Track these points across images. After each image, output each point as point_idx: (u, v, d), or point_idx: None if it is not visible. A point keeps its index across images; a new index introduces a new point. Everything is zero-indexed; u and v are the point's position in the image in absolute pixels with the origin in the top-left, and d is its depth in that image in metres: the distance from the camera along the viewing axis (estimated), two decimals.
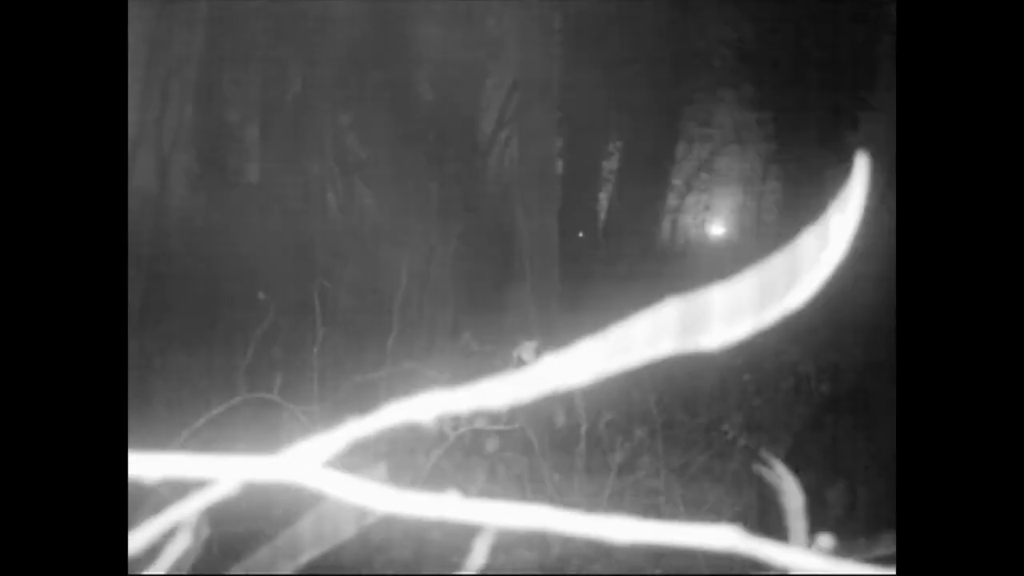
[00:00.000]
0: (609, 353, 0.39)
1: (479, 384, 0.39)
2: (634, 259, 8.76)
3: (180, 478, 0.40)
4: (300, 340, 5.50)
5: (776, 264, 0.39)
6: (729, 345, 0.39)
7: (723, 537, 0.38)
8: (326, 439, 0.40)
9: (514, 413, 4.43)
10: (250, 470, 0.40)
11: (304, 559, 0.64)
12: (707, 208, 13.59)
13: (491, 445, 4.43)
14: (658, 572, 3.93)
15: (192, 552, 0.45)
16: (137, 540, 0.40)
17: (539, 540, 4.04)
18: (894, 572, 0.41)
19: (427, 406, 0.40)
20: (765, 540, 0.37)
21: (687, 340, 0.39)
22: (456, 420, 4.27)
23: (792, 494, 0.64)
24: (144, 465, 0.39)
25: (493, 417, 4.39)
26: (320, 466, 0.40)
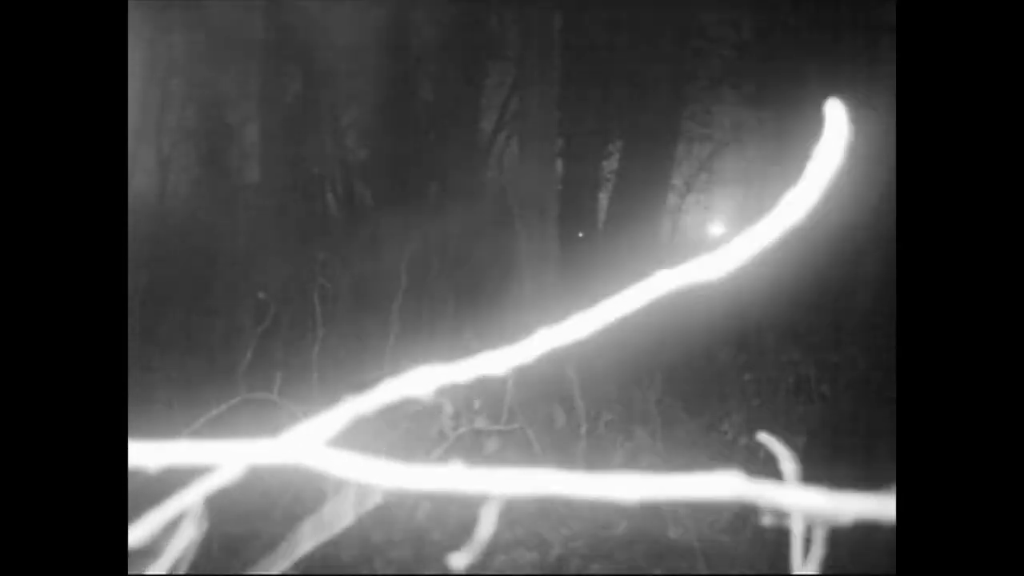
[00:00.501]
0: (603, 316, 0.39)
1: (477, 359, 0.39)
2: (634, 259, 8.76)
3: (182, 466, 0.40)
4: (300, 340, 5.50)
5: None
6: (727, 271, 0.39)
7: (726, 483, 0.38)
8: (326, 419, 0.41)
9: (514, 413, 4.43)
10: (253, 454, 0.40)
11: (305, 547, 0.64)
12: (707, 208, 13.59)
13: (491, 445, 4.43)
14: (658, 572, 3.93)
15: (195, 543, 0.45)
16: (140, 531, 0.41)
17: (539, 540, 4.04)
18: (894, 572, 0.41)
19: (425, 381, 0.40)
20: (766, 483, 0.38)
21: (687, 276, 0.40)
22: (456, 420, 4.27)
23: (786, 459, 0.65)
24: (145, 453, 0.40)
25: (493, 417, 4.39)
26: (321, 446, 0.40)
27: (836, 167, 0.39)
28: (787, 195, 0.41)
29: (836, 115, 0.39)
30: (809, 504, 0.39)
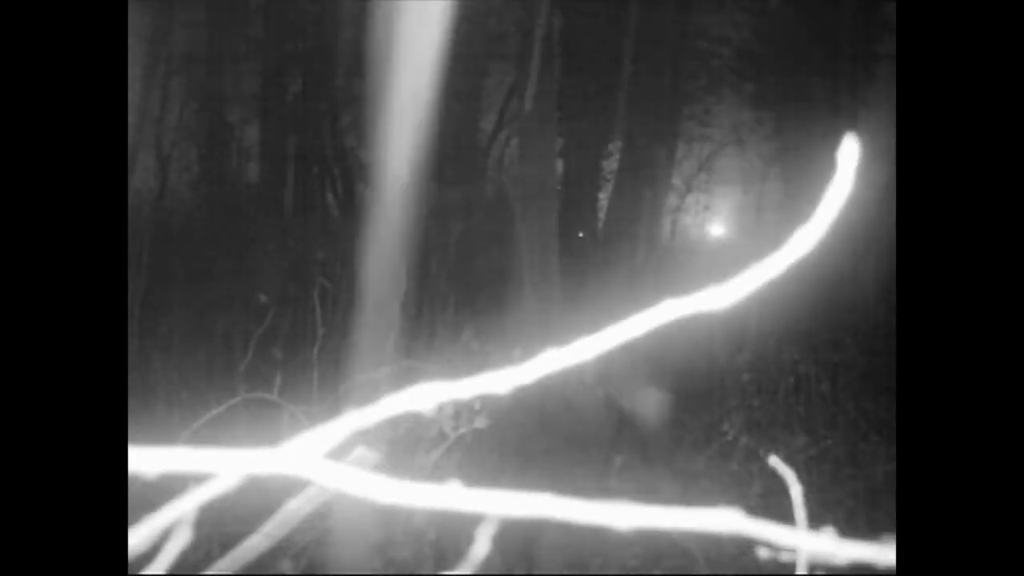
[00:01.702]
0: (608, 341, 0.39)
1: (479, 377, 0.39)
2: (634, 259, 8.76)
3: (180, 473, 0.40)
4: (300, 340, 5.50)
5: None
6: (733, 301, 0.39)
7: (726, 520, 0.38)
8: (326, 431, 0.41)
9: (513, 413, 4.43)
10: (251, 463, 0.40)
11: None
12: (707, 208, 13.59)
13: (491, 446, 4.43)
14: (658, 572, 3.93)
15: (189, 548, 0.45)
16: (138, 537, 0.41)
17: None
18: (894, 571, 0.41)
19: (426, 397, 0.40)
20: (768, 523, 0.38)
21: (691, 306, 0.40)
22: (456, 420, 4.27)
23: (793, 484, 0.66)
24: (144, 460, 0.40)
25: (493, 417, 4.39)
26: (320, 458, 0.40)
27: (845, 205, 0.39)
28: (796, 231, 0.41)
29: (848, 157, 0.39)
30: (809, 546, 0.39)
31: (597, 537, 4.08)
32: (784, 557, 0.44)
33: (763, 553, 0.43)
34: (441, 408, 4.03)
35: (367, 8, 7.92)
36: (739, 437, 5.14)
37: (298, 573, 3.24)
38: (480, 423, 4.25)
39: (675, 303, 0.40)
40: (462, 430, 4.22)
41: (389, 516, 3.81)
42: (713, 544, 3.91)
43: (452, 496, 0.39)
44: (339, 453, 0.41)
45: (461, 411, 4.20)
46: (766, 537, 0.38)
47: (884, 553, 0.39)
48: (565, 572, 3.92)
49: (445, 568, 3.62)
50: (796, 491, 0.64)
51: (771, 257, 0.40)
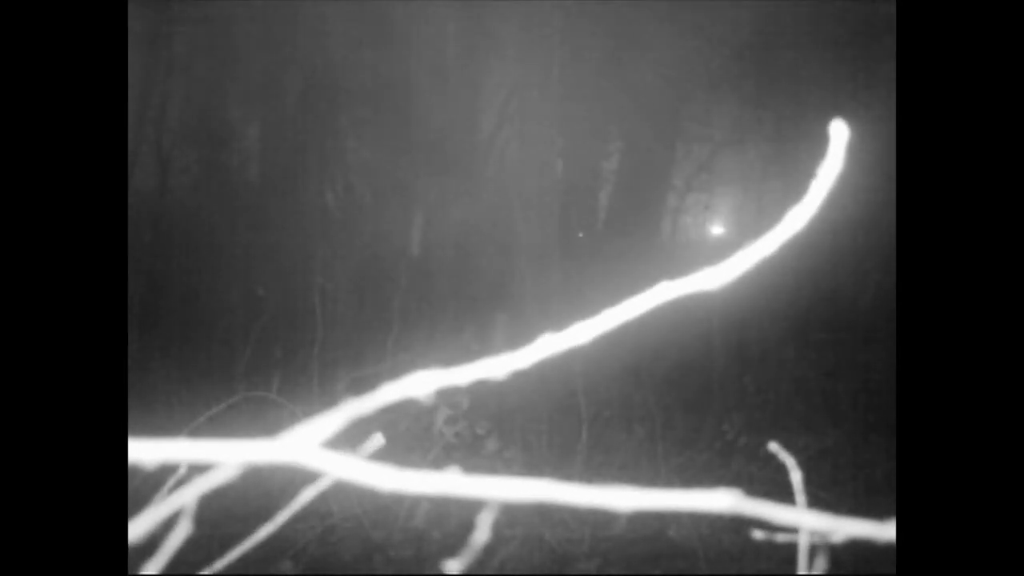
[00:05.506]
0: (604, 324, 0.40)
1: (477, 364, 0.40)
2: (634, 259, 8.76)
3: (180, 464, 0.40)
4: (300, 340, 5.50)
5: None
6: (726, 282, 0.40)
7: (723, 501, 0.38)
8: (325, 420, 0.41)
9: (514, 412, 4.43)
10: (250, 453, 0.40)
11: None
12: (707, 208, 13.58)
13: (491, 445, 4.43)
14: (658, 572, 3.92)
15: (190, 540, 0.45)
16: (138, 529, 0.41)
17: (538, 540, 4.04)
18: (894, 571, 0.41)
19: (424, 385, 0.40)
20: (765, 503, 0.38)
21: (686, 286, 0.40)
22: (456, 421, 4.27)
23: (794, 470, 0.66)
24: (143, 451, 0.40)
25: (493, 418, 4.39)
26: (319, 447, 0.40)
27: (836, 186, 0.40)
28: (789, 211, 0.41)
29: (838, 136, 0.39)
30: (806, 524, 0.39)
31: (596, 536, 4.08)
32: (783, 538, 0.44)
33: (761, 535, 0.43)
34: (441, 408, 4.03)
35: (367, 9, 7.93)
36: (739, 437, 5.13)
37: (298, 573, 3.24)
38: (478, 425, 4.25)
39: (670, 285, 0.40)
40: (461, 427, 4.22)
41: (389, 515, 3.81)
42: (713, 543, 3.91)
43: (452, 483, 0.39)
44: (346, 440, 0.41)
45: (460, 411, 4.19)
46: (765, 517, 0.39)
47: (883, 530, 0.39)
48: (568, 572, 3.92)
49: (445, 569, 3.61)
50: (797, 477, 0.65)
51: (765, 237, 0.41)
